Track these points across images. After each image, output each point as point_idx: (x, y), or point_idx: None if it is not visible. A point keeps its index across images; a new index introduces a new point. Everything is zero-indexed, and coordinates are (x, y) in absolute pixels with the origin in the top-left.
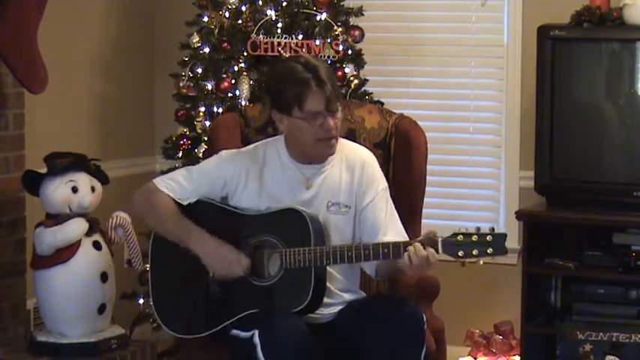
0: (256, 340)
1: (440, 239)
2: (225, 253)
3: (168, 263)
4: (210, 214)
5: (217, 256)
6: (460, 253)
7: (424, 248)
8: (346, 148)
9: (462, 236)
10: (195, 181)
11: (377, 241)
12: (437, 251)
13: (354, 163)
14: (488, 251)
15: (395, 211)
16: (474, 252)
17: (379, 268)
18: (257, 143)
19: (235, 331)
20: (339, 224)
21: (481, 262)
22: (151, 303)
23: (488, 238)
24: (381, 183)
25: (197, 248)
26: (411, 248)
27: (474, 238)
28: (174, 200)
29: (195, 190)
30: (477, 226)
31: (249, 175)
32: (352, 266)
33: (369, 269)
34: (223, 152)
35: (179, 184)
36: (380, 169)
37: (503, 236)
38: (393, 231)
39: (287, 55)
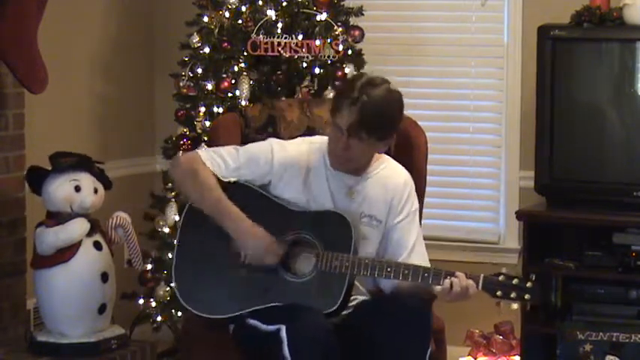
0: (283, 335)
1: (482, 276)
2: (261, 237)
3: (198, 238)
4: (253, 200)
5: (252, 239)
6: (498, 293)
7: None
8: (389, 165)
9: (503, 277)
10: (240, 163)
11: (400, 261)
12: (477, 286)
13: (393, 181)
14: (526, 297)
15: (421, 235)
16: (512, 295)
17: (400, 286)
18: (305, 141)
19: (254, 322)
20: (367, 236)
21: (515, 307)
22: (172, 276)
23: (529, 284)
24: (414, 204)
25: (232, 227)
26: (455, 280)
27: (515, 281)
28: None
29: (237, 170)
30: (517, 273)
31: (293, 174)
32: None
33: (389, 285)
34: (274, 143)
35: (224, 161)
36: (415, 191)
37: (541, 286)
38: (418, 254)
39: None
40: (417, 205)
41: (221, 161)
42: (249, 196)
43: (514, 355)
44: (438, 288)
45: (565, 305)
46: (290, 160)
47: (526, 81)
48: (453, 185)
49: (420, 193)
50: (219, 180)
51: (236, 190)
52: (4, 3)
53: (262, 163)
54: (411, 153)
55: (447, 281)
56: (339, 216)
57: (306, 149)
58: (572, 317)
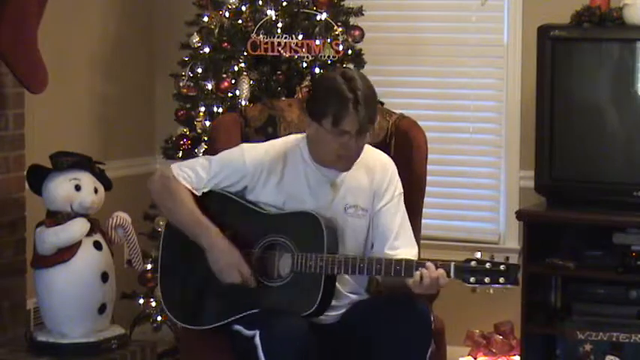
0: (257, 341)
1: (452, 263)
2: (230, 259)
3: (180, 251)
4: (226, 207)
5: (222, 260)
6: (472, 280)
7: (436, 269)
8: (368, 152)
9: (475, 262)
10: (213, 173)
11: (387, 246)
12: (448, 275)
13: (374, 167)
14: (501, 280)
15: (407, 218)
16: (486, 280)
17: (384, 279)
18: (279, 140)
19: (238, 327)
20: (355, 227)
21: (491, 291)
22: (158, 288)
23: (502, 267)
24: (397, 188)
25: (205, 246)
26: (424, 270)
27: (488, 265)
28: (189, 191)
29: (211, 181)
30: (492, 255)
31: (270, 174)
32: None
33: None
34: (245, 147)
35: (196, 173)
36: (398, 175)
37: (517, 267)
38: (404, 238)
39: (336, 69)
40: (400, 189)
41: (193, 174)
42: (224, 204)
43: (514, 355)
44: (409, 280)
45: (565, 305)
46: (263, 160)
47: (526, 81)
48: (453, 185)
49: (420, 193)
50: (194, 194)
51: (211, 200)
52: (4, 3)
53: (236, 168)
54: (411, 153)
55: (417, 273)
56: (311, 216)
57: (280, 148)
58: (572, 317)
